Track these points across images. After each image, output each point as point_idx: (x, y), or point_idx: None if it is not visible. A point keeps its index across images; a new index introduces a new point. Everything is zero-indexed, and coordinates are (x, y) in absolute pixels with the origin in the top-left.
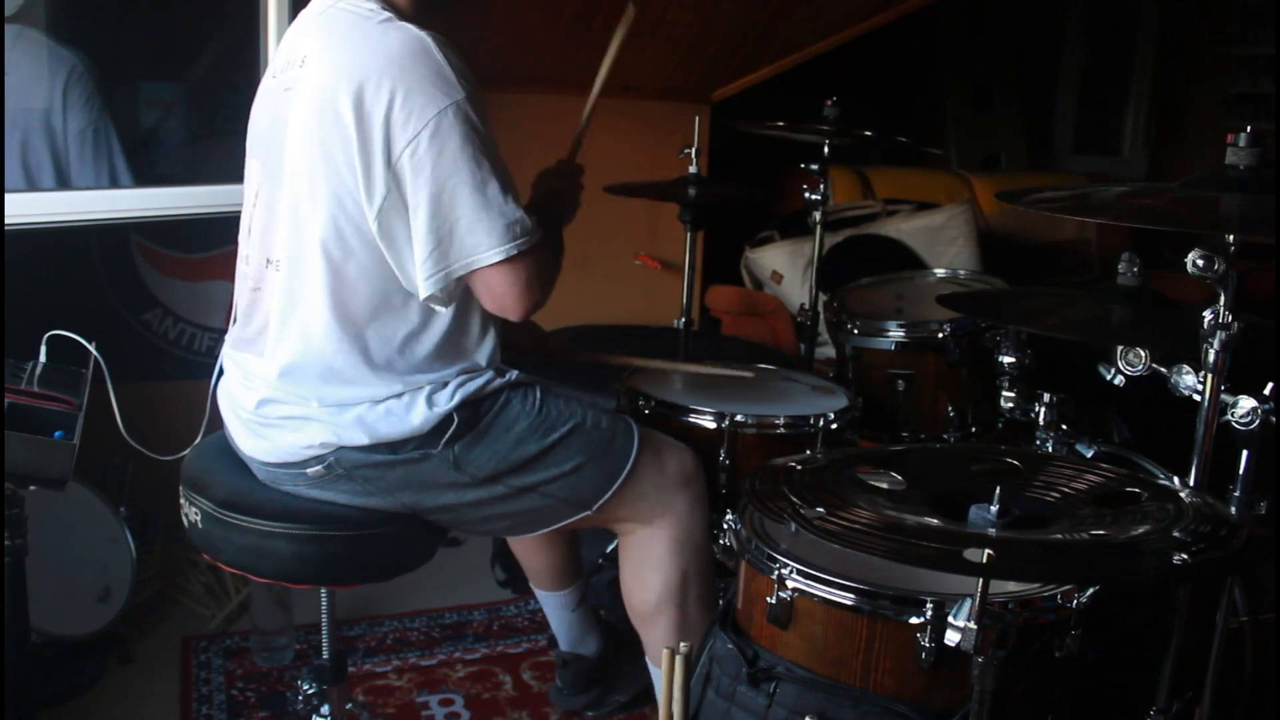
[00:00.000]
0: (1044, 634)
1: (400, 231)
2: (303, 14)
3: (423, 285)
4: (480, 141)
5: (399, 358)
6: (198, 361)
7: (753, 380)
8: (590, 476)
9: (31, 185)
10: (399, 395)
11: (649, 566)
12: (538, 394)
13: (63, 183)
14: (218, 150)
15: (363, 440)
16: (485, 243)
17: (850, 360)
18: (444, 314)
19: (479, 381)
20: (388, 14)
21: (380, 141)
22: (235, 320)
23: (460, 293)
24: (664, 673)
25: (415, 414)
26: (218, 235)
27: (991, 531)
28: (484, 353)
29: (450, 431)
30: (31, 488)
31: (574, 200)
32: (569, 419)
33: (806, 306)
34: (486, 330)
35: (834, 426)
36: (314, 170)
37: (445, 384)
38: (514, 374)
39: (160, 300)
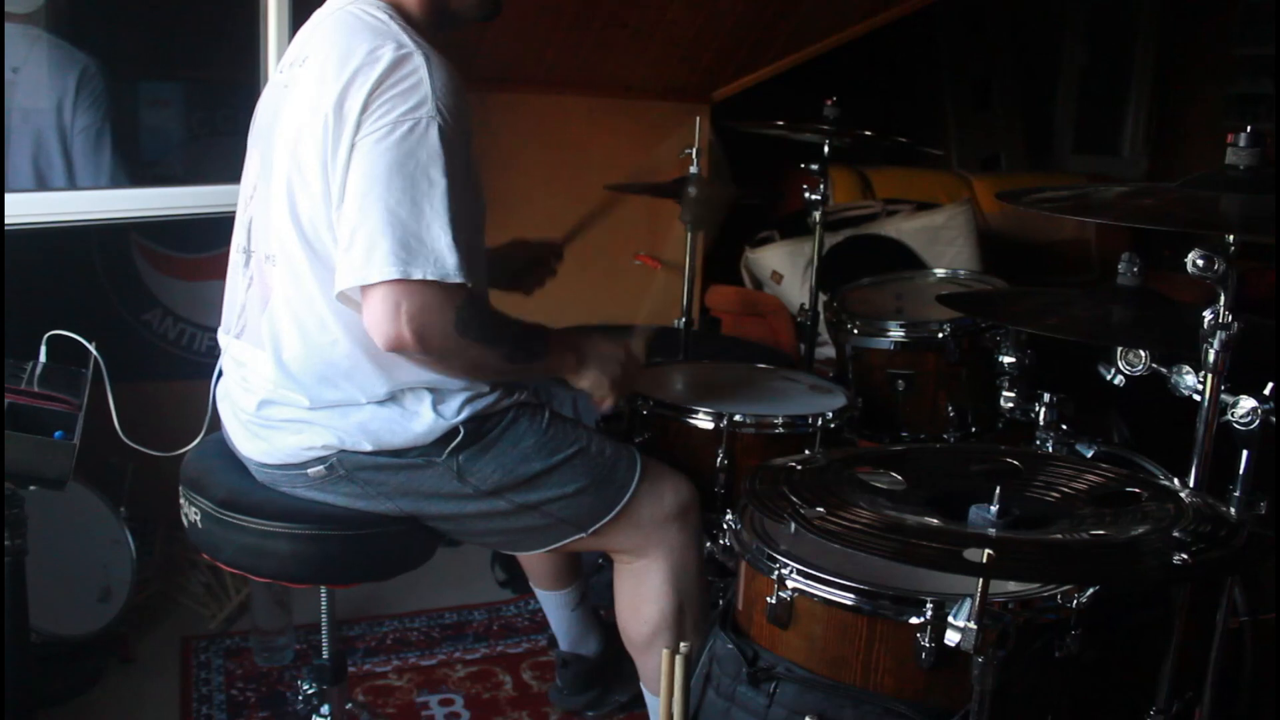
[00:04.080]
0: (1044, 634)
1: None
2: (316, 14)
3: (345, 276)
4: (432, 165)
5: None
6: (198, 361)
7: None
8: (590, 500)
9: (42, 184)
10: (400, 400)
11: (644, 599)
12: (546, 415)
13: (73, 182)
14: (218, 150)
15: (365, 446)
16: (378, 259)
17: (850, 360)
18: None
19: (489, 399)
20: (396, 23)
21: (348, 140)
22: (227, 314)
23: None
24: (664, 673)
25: (419, 422)
26: (218, 235)
27: (991, 531)
28: None
29: (455, 442)
30: (31, 488)
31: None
32: (575, 442)
33: (806, 306)
34: None
35: (833, 426)
36: (304, 168)
37: (451, 393)
38: (523, 394)
39: (160, 300)
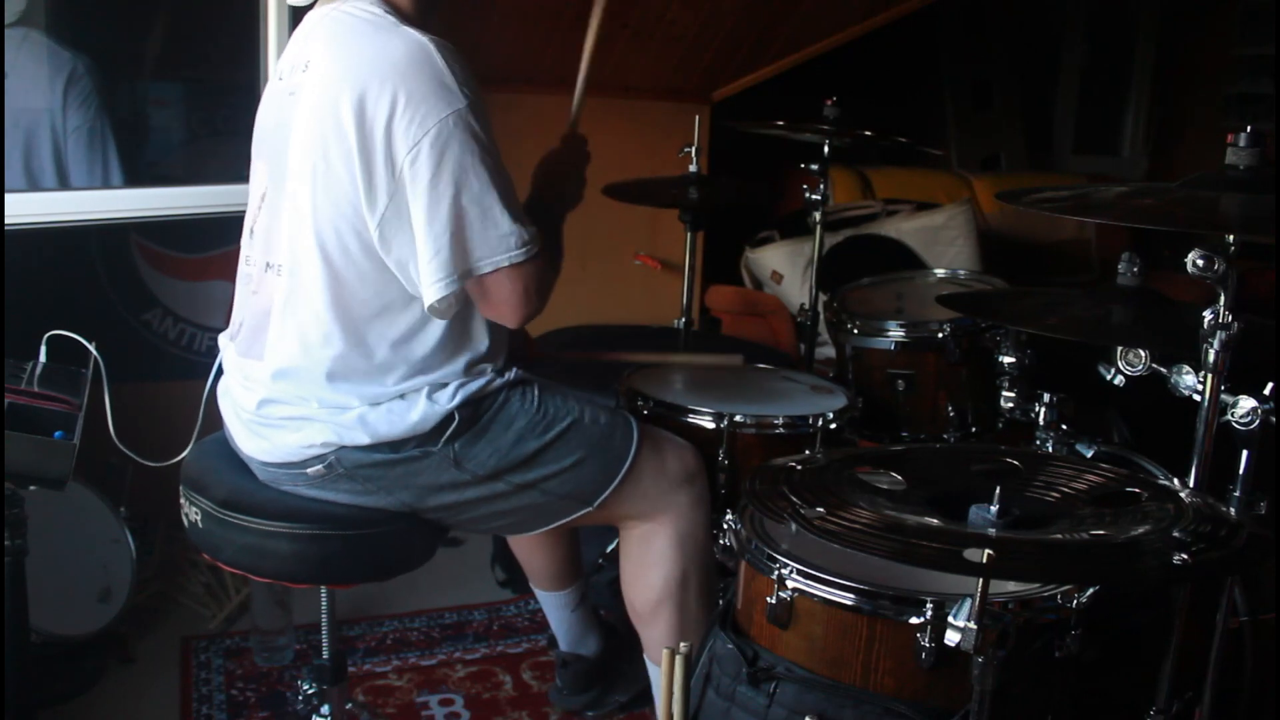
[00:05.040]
0: (1044, 634)
1: (402, 238)
2: (308, 16)
3: (427, 291)
4: (480, 151)
5: (399, 359)
6: (198, 361)
7: (741, 366)
8: (590, 472)
9: (34, 185)
10: (400, 396)
11: (650, 564)
12: (536, 391)
13: (63, 182)
14: (218, 150)
15: (364, 440)
16: (479, 252)
17: (850, 360)
18: (442, 320)
19: (480, 381)
20: (391, 18)
21: (381, 150)
22: (232, 321)
23: (459, 300)
24: (664, 672)
25: (415, 412)
26: (218, 235)
27: (991, 531)
28: (484, 350)
29: (451, 429)
30: (31, 488)
31: (578, 181)
32: (567, 415)
33: (806, 306)
34: (486, 330)
35: (833, 426)
36: (315, 176)
37: (446, 383)
38: (514, 373)
39: (160, 300)
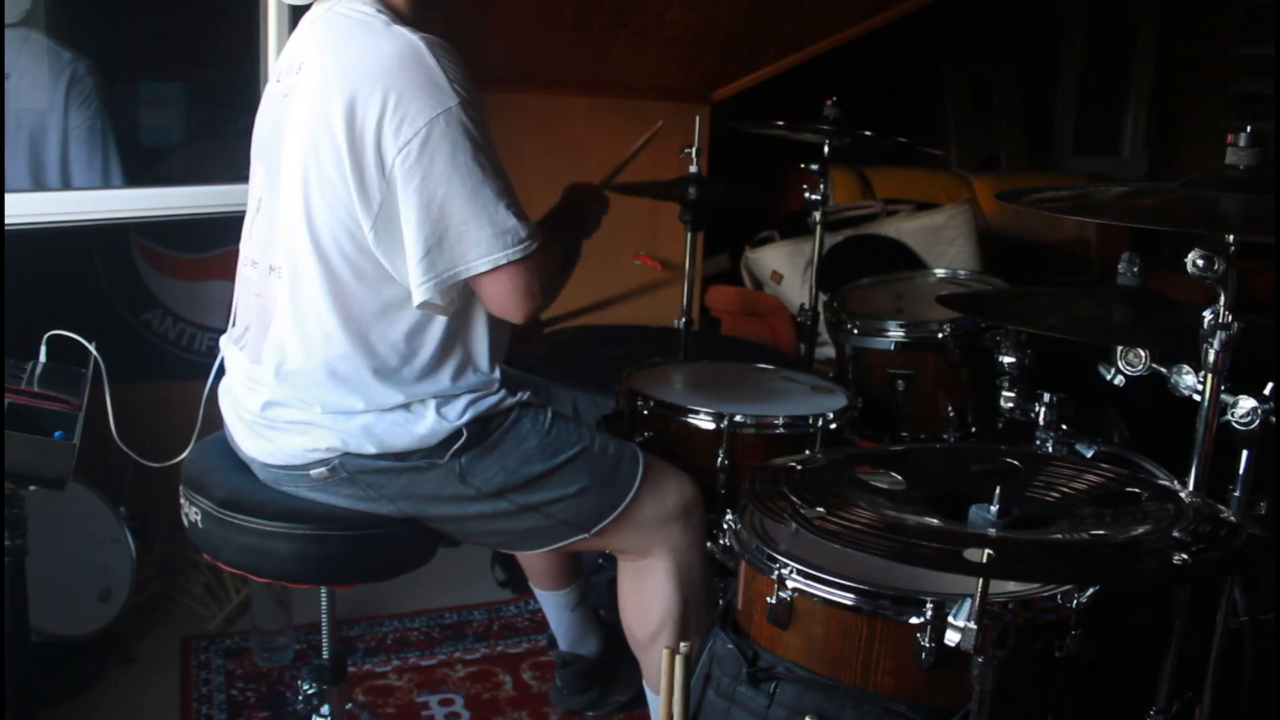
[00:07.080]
0: (1044, 634)
1: (396, 239)
2: (305, 18)
3: (416, 291)
4: (473, 149)
5: (402, 363)
6: (198, 361)
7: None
8: (592, 501)
9: (40, 186)
10: (406, 406)
11: (647, 598)
12: (549, 415)
13: (66, 182)
14: (218, 150)
15: (369, 449)
16: (475, 251)
17: (850, 360)
18: (444, 318)
19: (492, 400)
20: (384, 18)
21: (372, 150)
22: (234, 323)
23: (462, 298)
24: (664, 673)
25: (423, 425)
26: (218, 235)
27: (991, 531)
28: (483, 353)
29: (458, 444)
30: (31, 488)
31: (596, 221)
32: (578, 442)
33: (806, 306)
34: (488, 334)
35: (833, 426)
36: (309, 178)
37: (454, 397)
38: (526, 394)
39: (160, 300)
